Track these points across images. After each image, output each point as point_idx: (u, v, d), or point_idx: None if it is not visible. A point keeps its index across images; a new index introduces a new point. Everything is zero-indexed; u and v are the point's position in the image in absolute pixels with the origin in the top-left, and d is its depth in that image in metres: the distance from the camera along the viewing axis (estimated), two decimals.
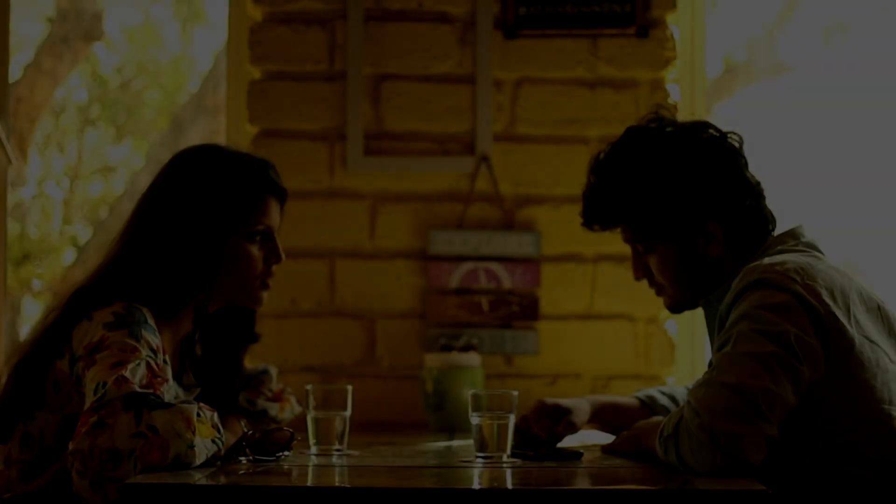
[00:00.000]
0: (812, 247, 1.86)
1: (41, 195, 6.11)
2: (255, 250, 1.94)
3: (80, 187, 6.27)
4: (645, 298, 2.72)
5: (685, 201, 1.87)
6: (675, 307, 2.00)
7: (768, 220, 1.92)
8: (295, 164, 2.76)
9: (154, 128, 6.41)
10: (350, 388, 1.89)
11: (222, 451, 1.65)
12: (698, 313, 2.79)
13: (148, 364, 1.68)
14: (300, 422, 1.96)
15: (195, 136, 5.87)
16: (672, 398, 2.21)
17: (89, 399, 1.63)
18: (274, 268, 1.97)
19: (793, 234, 1.88)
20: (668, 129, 1.92)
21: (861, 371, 1.70)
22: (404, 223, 2.77)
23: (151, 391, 1.62)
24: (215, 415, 1.65)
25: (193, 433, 1.58)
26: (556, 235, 2.76)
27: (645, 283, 2.69)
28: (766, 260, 1.76)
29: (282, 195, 1.99)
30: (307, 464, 1.76)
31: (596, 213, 1.96)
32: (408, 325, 2.77)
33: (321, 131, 2.79)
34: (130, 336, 1.72)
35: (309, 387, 1.88)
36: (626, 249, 2.70)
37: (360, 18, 2.77)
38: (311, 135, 2.80)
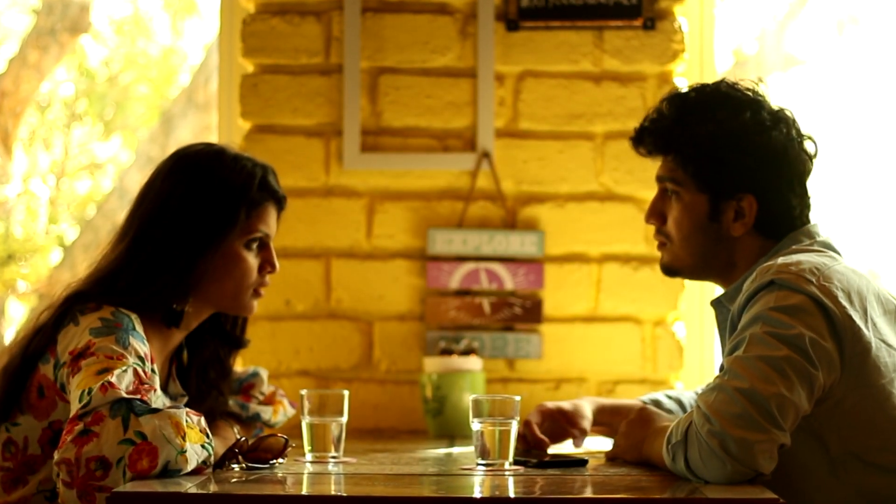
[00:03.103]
0: (828, 246, 1.83)
1: (26, 193, 6.08)
2: (250, 257, 1.93)
3: (66, 185, 6.24)
4: (652, 300, 2.71)
5: (741, 162, 1.84)
6: (670, 266, 1.95)
7: (801, 227, 1.88)
8: (289, 161, 2.72)
9: (143, 123, 6.37)
10: (346, 392, 1.87)
11: (212, 457, 1.63)
12: (707, 314, 2.79)
13: (135, 371, 1.67)
14: (295, 428, 1.94)
15: (185, 132, 5.85)
16: (679, 402, 2.18)
17: (74, 406, 1.61)
18: (268, 277, 1.96)
19: (807, 233, 1.86)
20: (760, 98, 1.90)
21: (878, 376, 1.68)
22: (403, 222, 2.73)
23: (138, 397, 1.60)
24: (202, 419, 1.64)
25: (184, 438, 1.56)
26: (560, 235, 2.72)
27: (649, 283, 2.69)
28: (781, 260, 1.73)
29: (281, 202, 1.98)
30: (302, 471, 1.75)
31: (652, 133, 1.92)
32: (406, 328, 2.73)
33: (316, 127, 2.75)
34: (117, 343, 1.71)
35: (304, 392, 1.87)
36: (632, 250, 2.71)
37: (356, 10, 2.72)
38: (306, 131, 2.75)
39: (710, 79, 2.80)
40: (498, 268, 2.71)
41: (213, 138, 3.17)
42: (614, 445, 1.92)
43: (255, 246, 1.93)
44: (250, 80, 2.75)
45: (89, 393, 1.59)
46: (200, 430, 1.62)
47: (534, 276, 2.71)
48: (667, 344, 2.71)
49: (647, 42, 2.71)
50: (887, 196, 3.82)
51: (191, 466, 1.58)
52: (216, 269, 1.88)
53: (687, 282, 2.70)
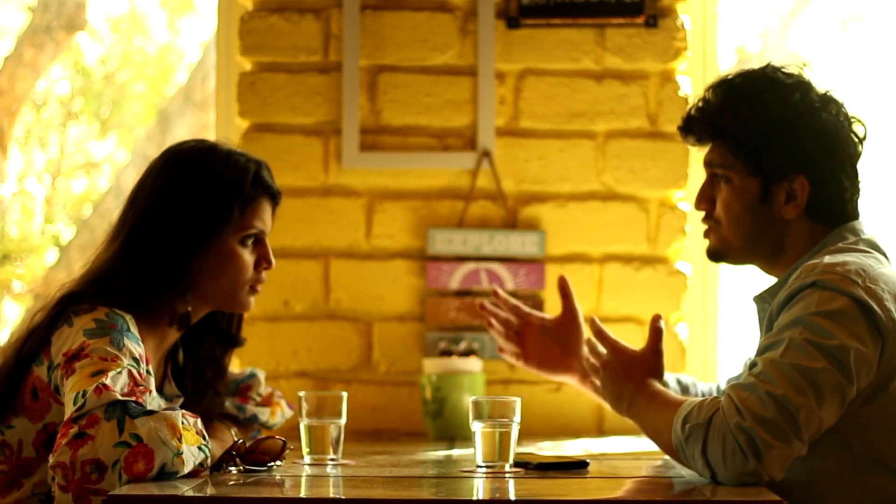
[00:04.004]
0: (873, 246, 1.81)
1: (22, 192, 6.07)
2: (246, 254, 1.92)
3: (62, 184, 6.22)
4: (654, 301, 2.68)
5: (792, 144, 1.83)
6: (717, 250, 1.92)
7: (852, 213, 1.86)
8: (288, 160, 2.69)
9: (140, 122, 6.35)
10: (345, 394, 1.87)
11: (209, 459, 1.63)
12: (712, 315, 2.77)
13: (130, 373, 1.66)
14: (293, 430, 1.93)
15: (183, 131, 5.83)
16: (685, 389, 2.15)
17: (69, 409, 1.61)
18: (264, 274, 1.95)
19: (852, 230, 1.84)
20: (807, 81, 1.89)
21: None
22: (402, 222, 2.70)
23: (133, 399, 1.59)
24: (199, 421, 1.63)
25: (180, 440, 1.55)
26: (562, 235, 2.70)
27: (651, 283, 2.67)
28: (827, 259, 1.72)
29: (275, 198, 1.96)
30: (300, 474, 1.75)
31: (700, 121, 1.90)
32: (406, 329, 2.70)
33: (315, 126, 2.72)
34: (112, 344, 1.70)
35: (302, 393, 1.86)
36: (634, 250, 2.69)
37: (355, 7, 2.70)
38: (304, 129, 2.72)
39: (712, 77, 2.78)
40: (498, 268, 2.69)
41: (210, 137, 3.15)
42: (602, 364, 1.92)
43: (250, 242, 1.92)
44: (248, 79, 2.72)
45: (84, 395, 1.58)
46: (197, 432, 1.61)
47: (535, 276, 2.68)
48: (669, 345, 2.65)
49: (650, 40, 2.69)
50: (888, 195, 3.80)
51: (187, 469, 1.57)
52: (211, 266, 1.87)
53: (689, 283, 2.69)
